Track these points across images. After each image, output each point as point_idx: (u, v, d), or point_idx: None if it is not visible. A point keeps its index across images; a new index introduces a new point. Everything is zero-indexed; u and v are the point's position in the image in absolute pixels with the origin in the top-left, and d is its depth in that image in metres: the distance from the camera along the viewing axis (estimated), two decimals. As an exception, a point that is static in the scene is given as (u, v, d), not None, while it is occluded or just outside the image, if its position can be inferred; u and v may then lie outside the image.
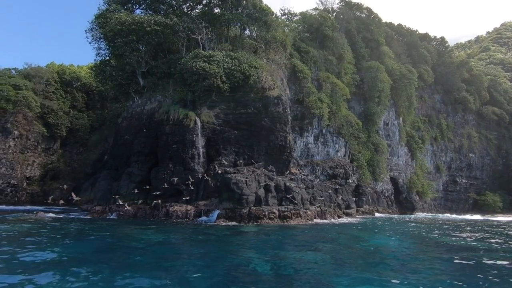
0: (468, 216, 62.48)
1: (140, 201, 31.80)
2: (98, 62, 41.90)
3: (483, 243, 20.49)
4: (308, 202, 32.16)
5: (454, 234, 24.87)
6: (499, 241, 21.79)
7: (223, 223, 26.14)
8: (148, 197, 32.59)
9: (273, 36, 42.01)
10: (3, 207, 45.73)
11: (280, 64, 43.72)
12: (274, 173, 33.11)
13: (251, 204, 27.75)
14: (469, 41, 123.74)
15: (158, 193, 30.59)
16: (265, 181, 29.46)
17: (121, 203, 31.64)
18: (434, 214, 63.50)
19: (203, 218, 28.10)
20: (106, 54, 41.54)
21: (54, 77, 67.44)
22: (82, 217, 31.01)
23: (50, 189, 60.16)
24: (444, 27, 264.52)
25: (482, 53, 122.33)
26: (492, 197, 75.97)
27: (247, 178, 27.96)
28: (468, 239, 22.23)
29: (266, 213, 27.16)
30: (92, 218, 30.14)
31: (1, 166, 58.20)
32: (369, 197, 49.85)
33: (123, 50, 37.98)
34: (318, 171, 47.43)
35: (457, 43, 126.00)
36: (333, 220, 31.76)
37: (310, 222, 28.91)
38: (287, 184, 30.44)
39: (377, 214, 49.66)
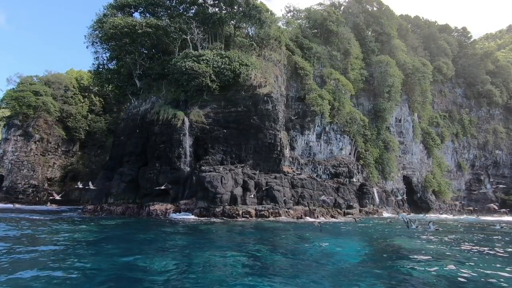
0: (490, 218, 57.58)
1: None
2: (96, 65, 43.27)
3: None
4: (293, 202, 31.13)
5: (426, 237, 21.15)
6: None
7: (192, 220, 25.66)
8: (137, 196, 33.16)
9: (267, 33, 41.29)
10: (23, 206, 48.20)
11: (275, 61, 42.93)
12: (257, 172, 32.26)
13: (226, 203, 27.25)
14: (500, 31, 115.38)
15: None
16: (243, 180, 28.80)
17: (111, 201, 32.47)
18: (453, 215, 59.54)
19: (175, 215, 27.78)
20: (104, 58, 42.88)
21: (73, 82, 70.59)
22: (74, 215, 31.92)
23: (70, 189, 63.33)
24: (472, 18, 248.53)
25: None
26: (523, 196, 70.44)
27: (222, 176, 27.47)
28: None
29: (240, 212, 26.57)
30: (84, 217, 30.89)
31: (23, 168, 61.73)
32: (375, 197, 47.66)
33: (117, 53, 38.96)
34: (320, 170, 46.11)
35: (486, 34, 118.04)
36: (318, 220, 30.38)
37: (292, 221, 27.91)
38: (269, 182, 29.62)
39: (385, 214, 47.32)
